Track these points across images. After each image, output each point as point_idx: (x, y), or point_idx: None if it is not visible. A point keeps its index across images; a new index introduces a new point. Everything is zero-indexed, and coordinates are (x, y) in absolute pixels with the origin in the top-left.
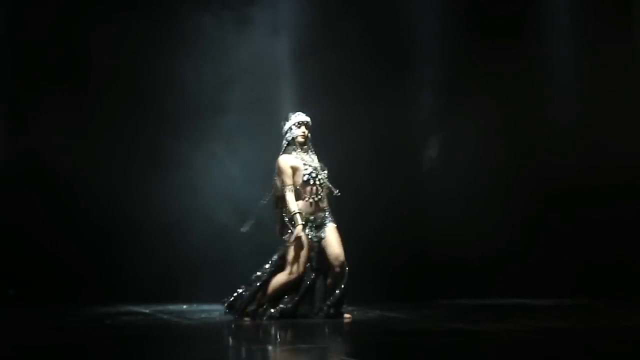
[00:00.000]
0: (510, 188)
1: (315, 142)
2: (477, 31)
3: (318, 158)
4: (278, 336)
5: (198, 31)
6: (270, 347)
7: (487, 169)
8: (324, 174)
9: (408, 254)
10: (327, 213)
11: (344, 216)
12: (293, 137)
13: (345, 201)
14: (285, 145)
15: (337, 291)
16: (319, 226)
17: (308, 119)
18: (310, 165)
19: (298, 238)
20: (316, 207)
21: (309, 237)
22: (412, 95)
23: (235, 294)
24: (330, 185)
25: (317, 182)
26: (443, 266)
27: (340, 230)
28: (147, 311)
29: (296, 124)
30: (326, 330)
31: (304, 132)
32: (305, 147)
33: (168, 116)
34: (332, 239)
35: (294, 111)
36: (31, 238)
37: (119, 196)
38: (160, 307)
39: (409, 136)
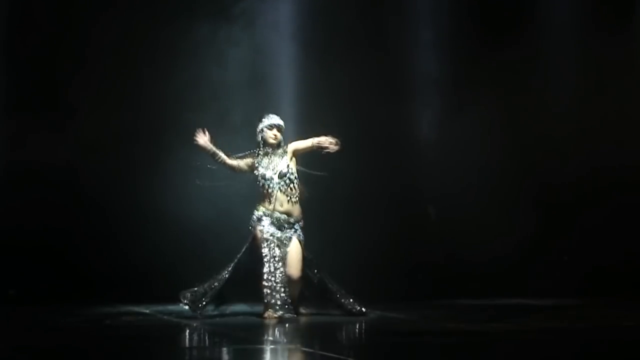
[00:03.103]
0: (512, 189)
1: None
2: (480, 30)
3: (294, 162)
4: (277, 336)
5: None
6: (269, 347)
7: (490, 169)
8: (280, 181)
9: (408, 254)
10: (292, 219)
11: (344, 216)
12: (264, 139)
13: (346, 201)
14: (258, 144)
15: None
16: (280, 227)
17: (281, 122)
18: (264, 171)
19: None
20: (275, 207)
21: (269, 233)
22: (415, 92)
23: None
24: (288, 190)
25: (267, 187)
26: (444, 266)
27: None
28: (147, 311)
29: (268, 126)
30: (325, 330)
31: (275, 135)
32: (278, 149)
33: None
34: (291, 255)
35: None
36: (31, 238)
37: (120, 195)
38: (160, 307)
39: (412, 135)
